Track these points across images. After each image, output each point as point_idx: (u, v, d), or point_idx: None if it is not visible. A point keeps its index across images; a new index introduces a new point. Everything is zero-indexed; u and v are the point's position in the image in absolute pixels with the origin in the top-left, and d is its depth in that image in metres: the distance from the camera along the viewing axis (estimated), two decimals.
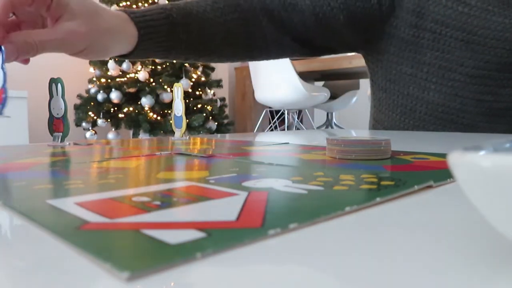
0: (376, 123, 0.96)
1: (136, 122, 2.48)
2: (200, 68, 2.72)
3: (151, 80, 2.52)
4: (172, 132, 0.65)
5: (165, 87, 2.47)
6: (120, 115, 2.54)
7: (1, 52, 0.47)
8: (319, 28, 0.82)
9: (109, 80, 2.53)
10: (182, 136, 0.63)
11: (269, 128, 3.40)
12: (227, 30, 0.69)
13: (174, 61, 2.57)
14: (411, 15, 0.81)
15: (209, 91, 2.77)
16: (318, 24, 0.81)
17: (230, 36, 0.70)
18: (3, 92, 0.50)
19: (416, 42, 0.82)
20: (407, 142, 0.56)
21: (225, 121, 2.87)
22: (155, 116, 2.52)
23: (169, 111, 2.51)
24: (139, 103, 2.50)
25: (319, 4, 0.80)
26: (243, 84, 3.52)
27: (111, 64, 2.47)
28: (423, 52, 0.82)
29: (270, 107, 3.14)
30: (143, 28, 0.58)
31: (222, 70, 3.44)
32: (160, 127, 2.50)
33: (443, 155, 0.38)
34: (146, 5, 2.57)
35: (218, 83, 2.82)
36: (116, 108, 2.56)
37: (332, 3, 0.81)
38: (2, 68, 0.50)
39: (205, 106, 2.68)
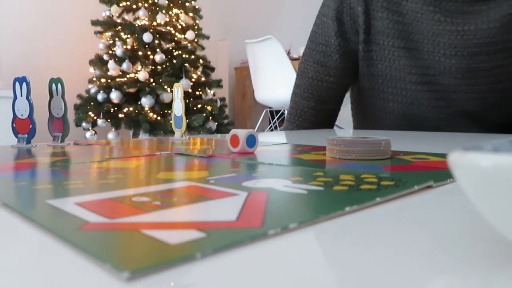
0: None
1: (136, 122, 2.48)
2: (200, 68, 2.72)
3: (151, 80, 2.52)
4: (172, 132, 0.65)
5: (165, 87, 2.47)
6: (120, 115, 2.53)
7: (26, 84, 0.47)
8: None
9: (109, 80, 2.53)
10: (182, 136, 0.63)
11: (269, 128, 3.40)
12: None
13: (174, 61, 2.57)
14: (362, 32, 0.87)
15: (209, 91, 2.76)
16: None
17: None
18: (30, 123, 0.51)
19: (367, 56, 0.88)
20: (407, 142, 0.56)
21: (225, 121, 2.87)
22: (155, 116, 2.52)
23: (169, 111, 2.51)
24: (139, 103, 2.49)
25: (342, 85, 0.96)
26: (243, 84, 3.52)
27: (111, 64, 2.47)
28: (374, 64, 0.87)
29: (270, 107, 3.14)
30: None
31: (222, 70, 3.44)
32: (160, 127, 2.50)
33: (443, 155, 0.38)
34: (146, 5, 2.57)
35: (218, 83, 2.82)
36: (116, 108, 2.56)
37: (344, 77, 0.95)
38: (28, 100, 0.50)
39: (205, 106, 2.68)
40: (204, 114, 2.59)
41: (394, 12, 0.82)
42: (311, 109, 0.95)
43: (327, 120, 0.99)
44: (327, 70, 0.91)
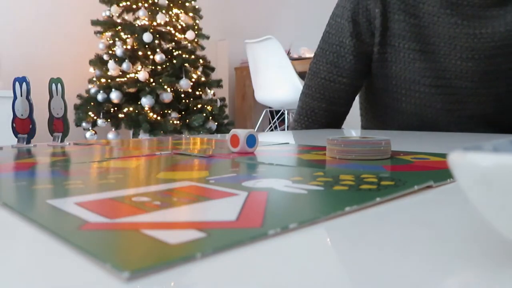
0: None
1: (136, 122, 2.47)
2: (200, 68, 2.72)
3: (151, 80, 2.52)
4: (173, 132, 0.65)
5: (165, 87, 2.47)
6: (120, 115, 2.53)
7: (26, 84, 0.46)
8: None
9: (109, 80, 2.53)
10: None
11: (269, 128, 3.40)
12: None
13: (174, 61, 2.57)
14: (378, 34, 0.87)
15: (209, 91, 2.76)
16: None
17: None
18: (30, 123, 0.51)
19: (381, 58, 0.88)
20: (407, 142, 0.56)
21: (225, 121, 2.87)
22: (155, 116, 2.52)
23: (169, 111, 2.51)
24: (139, 103, 2.49)
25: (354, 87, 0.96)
26: (243, 84, 3.52)
27: (111, 64, 2.47)
28: (388, 66, 0.88)
29: (270, 107, 3.14)
30: None
31: (222, 70, 3.44)
32: (160, 127, 2.50)
33: (443, 155, 0.38)
34: (146, 5, 2.57)
35: (218, 83, 2.82)
36: (116, 108, 2.56)
37: (356, 79, 0.94)
38: (28, 100, 0.50)
39: (205, 106, 2.68)
40: (204, 114, 2.59)
41: (411, 15, 0.83)
42: (322, 110, 0.95)
43: (336, 122, 0.99)
44: (340, 71, 0.91)
